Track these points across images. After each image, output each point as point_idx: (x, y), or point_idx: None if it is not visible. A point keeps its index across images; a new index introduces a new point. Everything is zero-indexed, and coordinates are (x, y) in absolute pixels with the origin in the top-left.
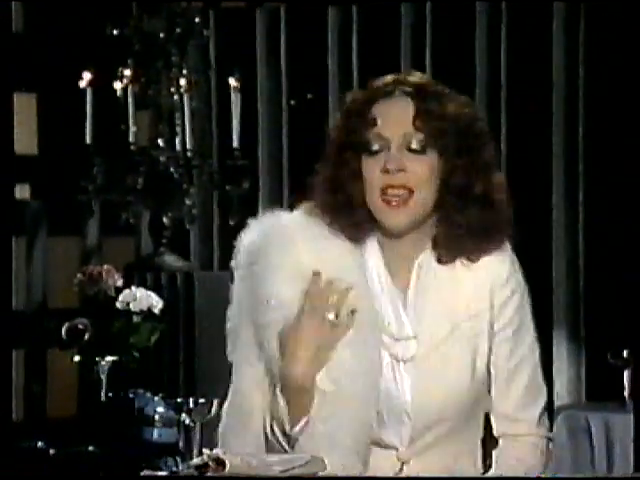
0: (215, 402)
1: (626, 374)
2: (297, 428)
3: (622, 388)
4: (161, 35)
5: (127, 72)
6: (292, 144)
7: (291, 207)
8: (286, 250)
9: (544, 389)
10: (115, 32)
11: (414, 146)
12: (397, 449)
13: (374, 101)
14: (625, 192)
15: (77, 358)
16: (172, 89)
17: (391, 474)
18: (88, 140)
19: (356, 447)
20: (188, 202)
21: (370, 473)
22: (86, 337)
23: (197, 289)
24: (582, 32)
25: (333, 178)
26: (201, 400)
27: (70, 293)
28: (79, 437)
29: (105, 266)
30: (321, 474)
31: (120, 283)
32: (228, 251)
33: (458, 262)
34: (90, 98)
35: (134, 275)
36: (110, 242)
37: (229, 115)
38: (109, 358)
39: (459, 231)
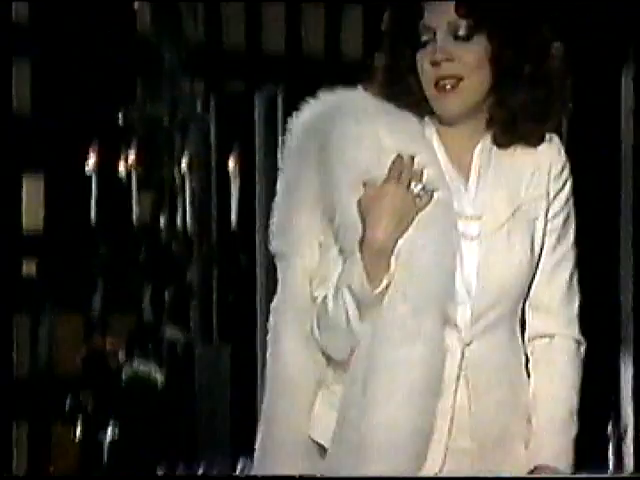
0: None
1: None
2: (379, 289)
3: None
4: (164, 119)
5: (131, 155)
6: None
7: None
8: (364, 120)
9: (578, 294)
10: (120, 117)
11: (461, 33)
12: (460, 330)
13: None
14: None
15: (79, 431)
16: (174, 170)
17: (457, 356)
18: (93, 219)
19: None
20: (188, 277)
21: (437, 352)
22: (89, 410)
23: (197, 361)
24: None
25: (389, 70)
26: None
27: (74, 366)
28: None
29: (108, 340)
30: None
31: (123, 357)
32: (227, 323)
33: (518, 148)
34: (95, 180)
35: (136, 348)
36: (113, 316)
37: (228, 194)
38: (111, 429)
39: (514, 113)
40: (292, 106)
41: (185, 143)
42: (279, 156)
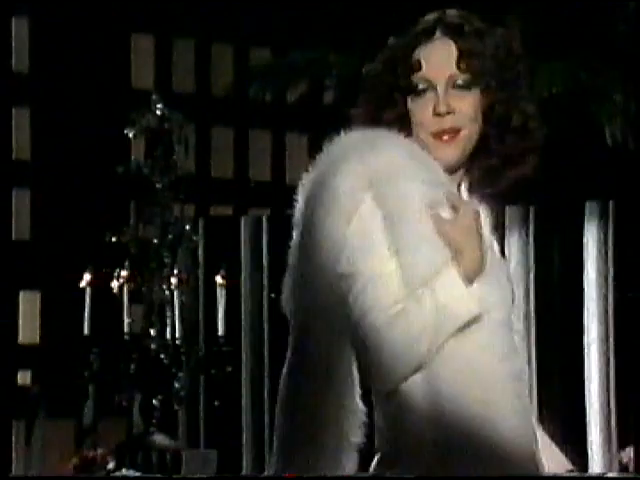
0: None
1: None
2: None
3: None
4: (155, 241)
5: (124, 272)
6: (272, 333)
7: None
8: (420, 165)
9: None
10: (113, 239)
11: (459, 84)
12: None
13: (417, 45)
14: None
15: None
16: (164, 286)
17: None
18: (86, 331)
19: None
20: (177, 385)
21: None
22: None
23: (184, 466)
24: None
25: (378, 119)
26: None
27: (68, 472)
28: None
29: (99, 450)
30: None
31: (112, 465)
32: (214, 430)
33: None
34: (89, 295)
35: (126, 455)
36: (104, 423)
37: (215, 307)
38: None
39: (496, 161)
40: (276, 228)
41: (175, 261)
42: (264, 274)
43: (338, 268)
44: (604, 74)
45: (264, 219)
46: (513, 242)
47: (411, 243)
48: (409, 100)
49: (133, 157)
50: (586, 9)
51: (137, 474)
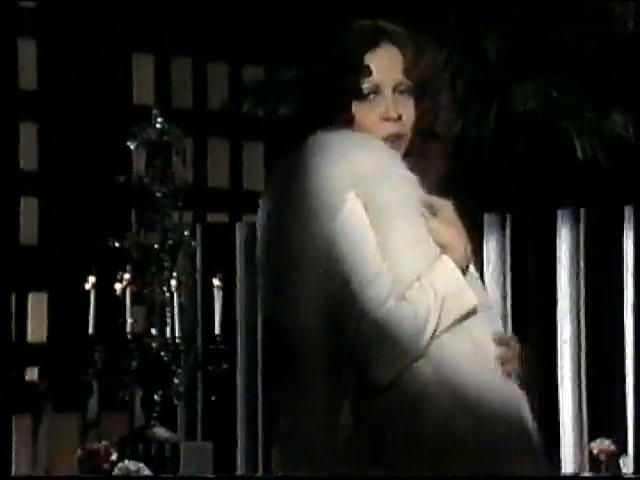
0: None
1: None
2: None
3: None
4: (155, 246)
5: (126, 276)
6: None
7: None
8: (402, 165)
9: None
10: (116, 244)
11: (402, 90)
12: None
13: (365, 51)
14: None
15: None
16: (164, 288)
17: None
18: (91, 331)
19: None
20: (176, 381)
21: None
22: None
23: (182, 457)
24: None
25: (325, 123)
26: None
27: (72, 463)
28: None
29: (103, 443)
30: None
31: (115, 457)
32: (210, 424)
33: None
34: (93, 297)
35: (128, 447)
36: (107, 416)
37: (212, 308)
38: None
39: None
40: None
41: (174, 265)
42: (258, 277)
43: (327, 266)
44: (574, 93)
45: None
46: (491, 247)
47: (403, 241)
48: (354, 104)
49: (134, 168)
50: (558, 33)
51: (139, 465)
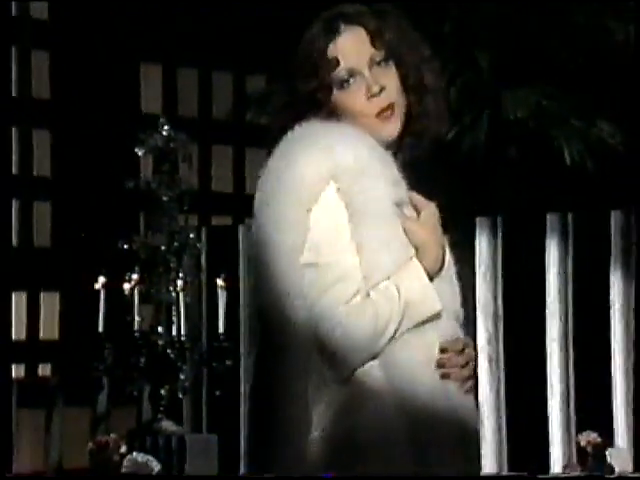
0: None
1: None
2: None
3: None
4: (162, 248)
5: (134, 276)
6: None
7: None
8: (384, 163)
9: None
10: (125, 246)
11: (378, 61)
12: None
13: (327, 43)
14: None
15: None
16: (170, 288)
17: None
18: (100, 329)
19: None
20: (182, 377)
21: None
22: None
23: (188, 449)
24: None
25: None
26: None
27: (83, 455)
28: None
29: (112, 436)
30: None
31: (124, 449)
32: (215, 417)
33: None
34: (103, 296)
35: (136, 440)
36: (117, 411)
37: (216, 307)
38: None
39: (422, 122)
40: None
41: (180, 266)
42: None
43: (300, 257)
44: (563, 102)
45: None
46: (484, 249)
47: (376, 240)
48: (337, 93)
49: (142, 173)
50: (548, 45)
51: (147, 457)
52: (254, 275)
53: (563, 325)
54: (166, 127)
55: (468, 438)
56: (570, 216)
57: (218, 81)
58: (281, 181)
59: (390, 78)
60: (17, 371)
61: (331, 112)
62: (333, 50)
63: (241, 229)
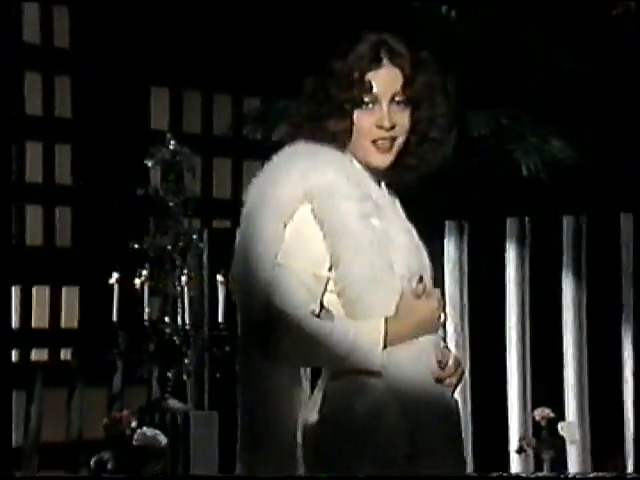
0: None
1: None
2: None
3: None
4: (169, 247)
5: (144, 272)
6: None
7: None
8: (354, 182)
9: None
10: (136, 246)
11: (398, 101)
12: None
13: (369, 69)
14: None
15: None
16: (176, 283)
17: None
18: (114, 318)
19: None
20: (186, 361)
21: None
22: (109, 466)
23: (192, 424)
24: None
25: (323, 128)
26: None
27: (99, 429)
28: None
29: (124, 412)
30: None
31: (135, 424)
32: (216, 396)
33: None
34: (117, 290)
35: (146, 416)
36: (129, 390)
37: (216, 300)
38: None
39: (415, 161)
40: None
41: (185, 264)
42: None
43: (274, 259)
44: (520, 121)
45: None
46: (451, 249)
47: (350, 251)
48: (356, 112)
49: (151, 182)
50: (506, 71)
51: (155, 431)
52: (235, 275)
53: (520, 315)
54: (172, 142)
55: (453, 419)
56: (527, 220)
57: (218, 102)
58: (264, 197)
59: (402, 118)
60: (42, 355)
61: (348, 127)
62: (371, 76)
63: (238, 232)
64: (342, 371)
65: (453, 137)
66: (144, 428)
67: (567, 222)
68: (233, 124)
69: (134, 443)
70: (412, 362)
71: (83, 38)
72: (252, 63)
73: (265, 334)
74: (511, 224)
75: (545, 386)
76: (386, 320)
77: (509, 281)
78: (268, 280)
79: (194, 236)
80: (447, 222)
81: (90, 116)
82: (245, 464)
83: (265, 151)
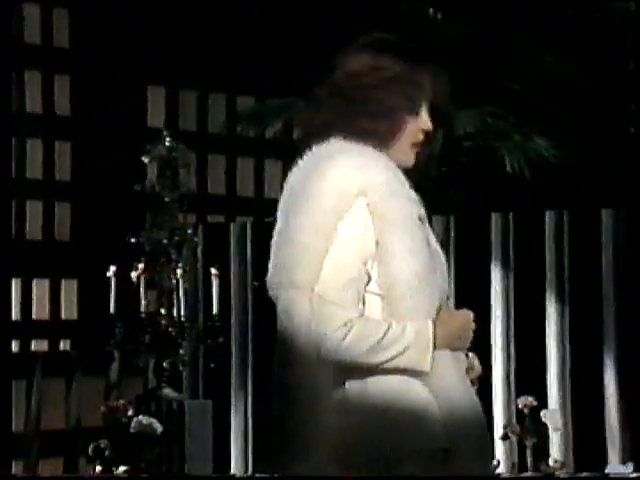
0: None
1: None
2: None
3: None
4: (164, 241)
5: (140, 266)
6: (255, 313)
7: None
8: (405, 184)
9: None
10: (133, 240)
11: (432, 109)
12: None
13: (430, 77)
14: None
15: (99, 468)
16: (171, 276)
17: None
18: (112, 310)
19: None
20: (181, 352)
21: None
22: (106, 453)
23: (187, 413)
24: None
25: (371, 130)
26: None
27: (97, 417)
28: None
29: (121, 401)
30: None
31: (132, 412)
32: (211, 385)
33: None
34: (114, 283)
35: (142, 404)
36: (126, 380)
37: (210, 293)
38: (122, 468)
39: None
40: (258, 232)
41: (180, 257)
42: (248, 267)
43: (320, 252)
44: (505, 120)
45: (248, 225)
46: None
47: (403, 251)
48: (407, 116)
49: (148, 178)
50: (492, 72)
51: (151, 419)
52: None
53: (505, 305)
54: (168, 139)
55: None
56: (511, 215)
57: (213, 100)
58: (311, 191)
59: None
60: (41, 346)
61: (396, 130)
62: (426, 81)
63: (232, 226)
64: (375, 371)
65: (439, 136)
66: (140, 416)
67: (550, 217)
68: (227, 122)
69: (131, 431)
70: (449, 364)
71: (82, 38)
72: (246, 64)
73: (335, 327)
74: (496, 219)
75: (529, 374)
76: (434, 323)
77: (494, 272)
78: (318, 274)
79: (189, 231)
80: (434, 217)
81: (89, 114)
82: (281, 465)
83: (258, 148)
